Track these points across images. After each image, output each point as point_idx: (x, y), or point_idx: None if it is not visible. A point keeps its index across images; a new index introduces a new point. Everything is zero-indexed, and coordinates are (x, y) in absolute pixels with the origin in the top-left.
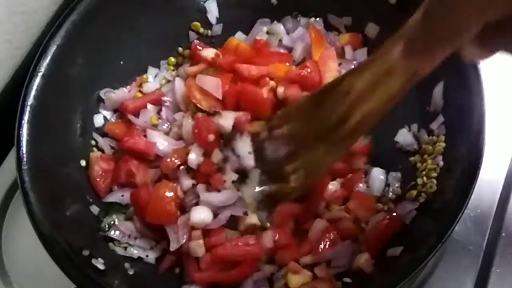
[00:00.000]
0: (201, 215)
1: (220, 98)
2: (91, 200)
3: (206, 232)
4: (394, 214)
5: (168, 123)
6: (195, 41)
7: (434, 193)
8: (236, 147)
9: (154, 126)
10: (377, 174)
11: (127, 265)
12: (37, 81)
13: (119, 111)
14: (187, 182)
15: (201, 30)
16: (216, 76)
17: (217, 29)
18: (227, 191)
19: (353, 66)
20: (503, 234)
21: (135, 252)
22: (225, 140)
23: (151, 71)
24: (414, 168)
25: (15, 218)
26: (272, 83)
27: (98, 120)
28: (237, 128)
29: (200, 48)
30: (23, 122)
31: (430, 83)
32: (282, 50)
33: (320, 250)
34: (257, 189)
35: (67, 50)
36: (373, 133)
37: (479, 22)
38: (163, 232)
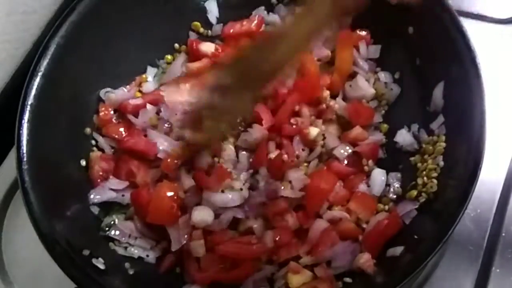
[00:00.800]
0: (202, 215)
1: None
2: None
3: (207, 232)
4: (395, 214)
5: (168, 123)
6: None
7: (435, 193)
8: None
9: (154, 127)
10: (378, 175)
11: (127, 265)
12: (37, 81)
13: (119, 111)
14: (187, 181)
15: (201, 30)
16: None
17: (217, 29)
18: (231, 192)
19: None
20: (503, 234)
21: (135, 252)
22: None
23: (151, 71)
24: (415, 168)
25: (15, 218)
26: None
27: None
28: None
29: (195, 44)
30: (23, 122)
31: (430, 83)
32: None
33: (320, 250)
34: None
35: (67, 50)
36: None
37: None
38: (163, 232)
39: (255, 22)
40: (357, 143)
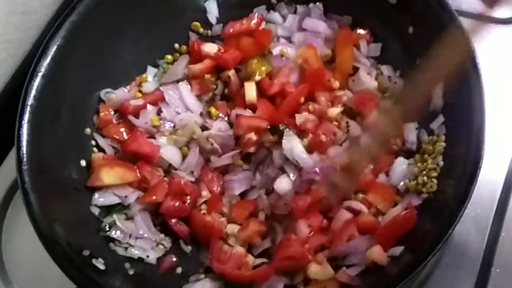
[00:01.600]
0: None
1: None
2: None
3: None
4: (411, 207)
5: (170, 124)
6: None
7: (434, 193)
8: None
9: (156, 127)
10: (400, 164)
11: (127, 265)
12: (37, 81)
13: (120, 111)
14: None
15: (201, 30)
16: None
17: (217, 29)
18: None
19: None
20: (503, 234)
21: (135, 252)
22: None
23: (151, 70)
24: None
25: (15, 218)
26: None
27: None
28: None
29: (197, 45)
30: (23, 122)
31: (430, 83)
32: (282, 39)
33: (338, 243)
34: None
35: (67, 50)
36: None
37: None
38: (168, 231)
39: (255, 20)
40: None
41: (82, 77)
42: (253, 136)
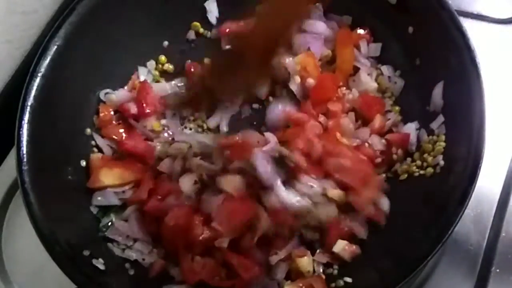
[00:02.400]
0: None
1: None
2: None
3: None
4: None
5: (171, 133)
6: (188, 61)
7: (434, 193)
8: None
9: (156, 132)
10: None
11: (127, 265)
12: (37, 81)
13: (119, 112)
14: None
15: (201, 30)
16: None
17: (216, 32)
18: None
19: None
20: (503, 234)
21: (133, 255)
22: None
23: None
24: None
25: (15, 218)
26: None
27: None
28: None
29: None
30: (23, 122)
31: (430, 83)
32: None
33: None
34: None
35: (67, 50)
36: None
37: None
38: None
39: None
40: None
41: (82, 77)
42: None
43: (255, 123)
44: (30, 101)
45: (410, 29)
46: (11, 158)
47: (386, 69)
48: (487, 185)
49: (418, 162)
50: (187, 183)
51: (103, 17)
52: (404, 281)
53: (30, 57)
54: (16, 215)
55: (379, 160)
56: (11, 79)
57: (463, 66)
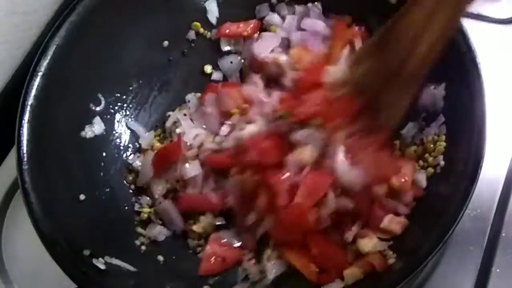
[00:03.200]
0: None
1: None
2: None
3: None
4: None
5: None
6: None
7: (434, 193)
8: None
9: None
10: None
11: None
12: (37, 81)
13: None
14: None
15: (201, 30)
16: None
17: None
18: None
19: None
20: (503, 234)
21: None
22: None
23: None
24: None
25: (15, 218)
26: None
27: (98, 120)
28: None
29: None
30: (23, 122)
31: (430, 83)
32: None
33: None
34: None
35: (67, 50)
36: None
37: None
38: None
39: (252, 25)
40: None
41: (82, 77)
42: None
43: None
44: (30, 100)
45: None
46: (11, 158)
47: None
48: (487, 185)
49: (419, 162)
50: None
51: (103, 17)
52: (404, 281)
53: (30, 57)
54: (16, 215)
55: None
56: (11, 79)
57: (464, 66)
